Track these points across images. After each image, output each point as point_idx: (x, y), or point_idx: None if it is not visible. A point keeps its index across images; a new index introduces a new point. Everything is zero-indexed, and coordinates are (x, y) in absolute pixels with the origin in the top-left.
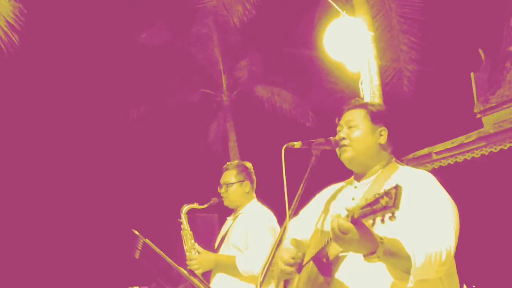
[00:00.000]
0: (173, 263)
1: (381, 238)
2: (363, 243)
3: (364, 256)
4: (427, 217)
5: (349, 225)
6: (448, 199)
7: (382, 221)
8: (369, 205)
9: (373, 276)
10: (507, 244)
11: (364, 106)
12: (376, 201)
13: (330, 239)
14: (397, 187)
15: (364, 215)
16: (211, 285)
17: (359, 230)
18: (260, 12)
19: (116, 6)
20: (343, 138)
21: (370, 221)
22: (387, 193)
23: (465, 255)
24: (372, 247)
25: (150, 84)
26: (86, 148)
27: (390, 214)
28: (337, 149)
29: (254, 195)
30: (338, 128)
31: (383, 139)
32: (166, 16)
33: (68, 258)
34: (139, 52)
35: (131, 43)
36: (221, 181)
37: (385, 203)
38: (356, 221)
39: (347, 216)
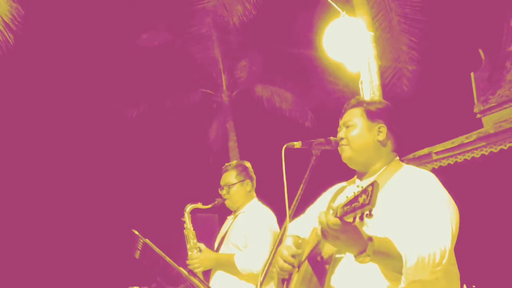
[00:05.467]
0: (173, 263)
1: (370, 237)
2: (351, 240)
3: (355, 256)
4: (423, 216)
5: (336, 220)
6: (448, 199)
7: (361, 218)
8: (349, 203)
9: (367, 277)
10: (507, 244)
11: (361, 104)
12: (355, 199)
13: None
14: (373, 184)
15: (345, 213)
16: (210, 283)
17: (345, 227)
18: (260, 12)
19: (116, 6)
20: (342, 139)
21: (351, 219)
22: (364, 191)
23: (465, 255)
24: (361, 245)
25: (150, 84)
26: (86, 148)
27: (367, 212)
28: (338, 149)
29: (255, 194)
30: (338, 129)
31: (381, 136)
32: (166, 16)
33: (68, 258)
34: (139, 52)
35: (131, 43)
36: (222, 183)
37: (362, 201)
38: (339, 219)
39: (332, 213)
